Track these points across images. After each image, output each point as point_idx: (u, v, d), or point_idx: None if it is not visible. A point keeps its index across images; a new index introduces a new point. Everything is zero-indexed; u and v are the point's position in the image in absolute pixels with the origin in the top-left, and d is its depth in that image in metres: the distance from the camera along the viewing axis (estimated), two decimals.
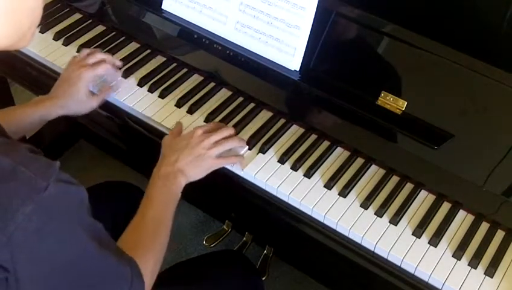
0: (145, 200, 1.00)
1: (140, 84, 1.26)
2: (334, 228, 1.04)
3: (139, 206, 0.99)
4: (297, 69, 1.17)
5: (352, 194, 1.07)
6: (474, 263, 0.98)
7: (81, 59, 1.19)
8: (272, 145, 1.15)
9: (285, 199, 1.08)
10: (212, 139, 1.08)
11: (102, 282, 0.79)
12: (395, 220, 1.03)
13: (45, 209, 0.68)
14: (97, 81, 1.20)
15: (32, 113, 1.12)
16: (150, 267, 0.90)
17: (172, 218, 1.00)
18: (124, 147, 1.34)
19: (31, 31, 0.77)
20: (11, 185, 0.66)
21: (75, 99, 1.15)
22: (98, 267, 0.77)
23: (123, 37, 1.36)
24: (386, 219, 1.04)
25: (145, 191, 1.02)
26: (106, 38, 1.36)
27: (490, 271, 0.97)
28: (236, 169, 1.11)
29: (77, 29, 1.38)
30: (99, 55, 1.20)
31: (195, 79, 1.28)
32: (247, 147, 1.13)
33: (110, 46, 1.34)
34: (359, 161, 1.13)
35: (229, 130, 1.12)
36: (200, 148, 1.06)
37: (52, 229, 0.69)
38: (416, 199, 1.07)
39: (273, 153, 1.13)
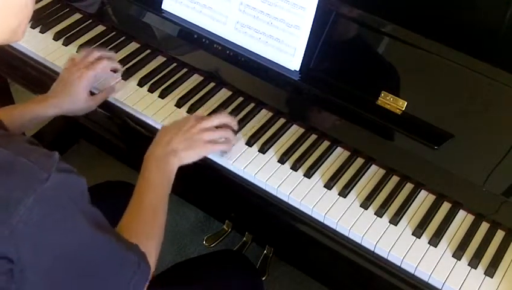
0: (140, 185, 1.00)
1: (140, 84, 1.26)
2: (334, 228, 1.04)
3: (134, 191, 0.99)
4: (297, 69, 1.17)
5: (352, 194, 1.07)
6: (474, 263, 0.98)
7: (81, 59, 1.19)
8: (272, 145, 1.15)
9: (285, 199, 1.08)
10: (204, 124, 1.08)
11: (108, 268, 0.79)
12: (395, 220, 1.03)
13: (47, 199, 0.68)
14: (97, 81, 1.20)
15: (30, 111, 1.13)
16: (153, 252, 0.91)
17: (167, 200, 1.01)
18: (124, 147, 1.34)
19: (22, 27, 0.77)
20: (12, 176, 0.66)
21: (74, 99, 1.15)
22: (102, 254, 0.78)
23: (123, 37, 1.36)
24: (386, 219, 1.04)
25: (140, 175, 1.02)
26: (106, 38, 1.36)
27: (490, 271, 0.97)
28: (234, 168, 1.11)
29: (77, 29, 1.38)
30: (97, 54, 1.21)
31: (195, 79, 1.28)
32: (239, 135, 1.14)
33: (110, 46, 1.34)
34: (359, 161, 1.13)
35: (225, 118, 1.12)
36: (192, 131, 1.06)
37: (54, 219, 0.70)
38: (416, 199, 1.07)
39: (273, 153, 1.13)
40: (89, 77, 1.16)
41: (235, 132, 1.13)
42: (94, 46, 1.33)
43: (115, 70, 1.25)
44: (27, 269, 0.69)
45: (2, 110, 1.11)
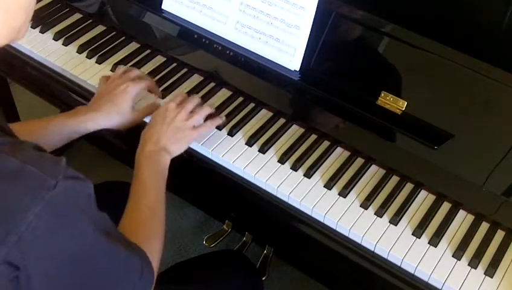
0: (135, 185, 1.00)
1: None
2: (334, 228, 1.04)
3: (130, 193, 0.99)
4: (297, 69, 1.17)
5: (352, 194, 1.07)
6: (474, 263, 0.98)
7: (120, 75, 1.17)
8: (272, 145, 1.15)
9: (285, 199, 1.08)
10: (187, 109, 1.10)
11: (113, 275, 0.79)
12: (395, 220, 1.03)
13: (55, 207, 0.68)
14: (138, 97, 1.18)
15: (72, 123, 1.09)
16: (156, 253, 0.91)
17: (164, 197, 1.01)
18: (124, 147, 1.33)
19: (25, 26, 0.77)
20: (20, 184, 0.67)
21: (120, 112, 1.12)
22: (108, 260, 0.78)
23: (123, 37, 1.36)
24: (386, 218, 1.04)
25: (133, 176, 1.02)
26: (106, 38, 1.36)
27: (490, 271, 0.97)
28: (234, 168, 1.11)
29: (77, 29, 1.38)
30: (137, 72, 1.20)
31: (195, 79, 1.28)
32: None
33: (110, 46, 1.34)
34: (359, 161, 1.13)
35: (196, 99, 1.15)
36: (177, 122, 1.08)
37: (61, 227, 0.70)
38: (416, 199, 1.07)
39: (273, 153, 1.13)
40: (134, 90, 1.14)
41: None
42: (94, 46, 1.33)
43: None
44: (33, 276, 0.69)
45: (36, 122, 1.08)
